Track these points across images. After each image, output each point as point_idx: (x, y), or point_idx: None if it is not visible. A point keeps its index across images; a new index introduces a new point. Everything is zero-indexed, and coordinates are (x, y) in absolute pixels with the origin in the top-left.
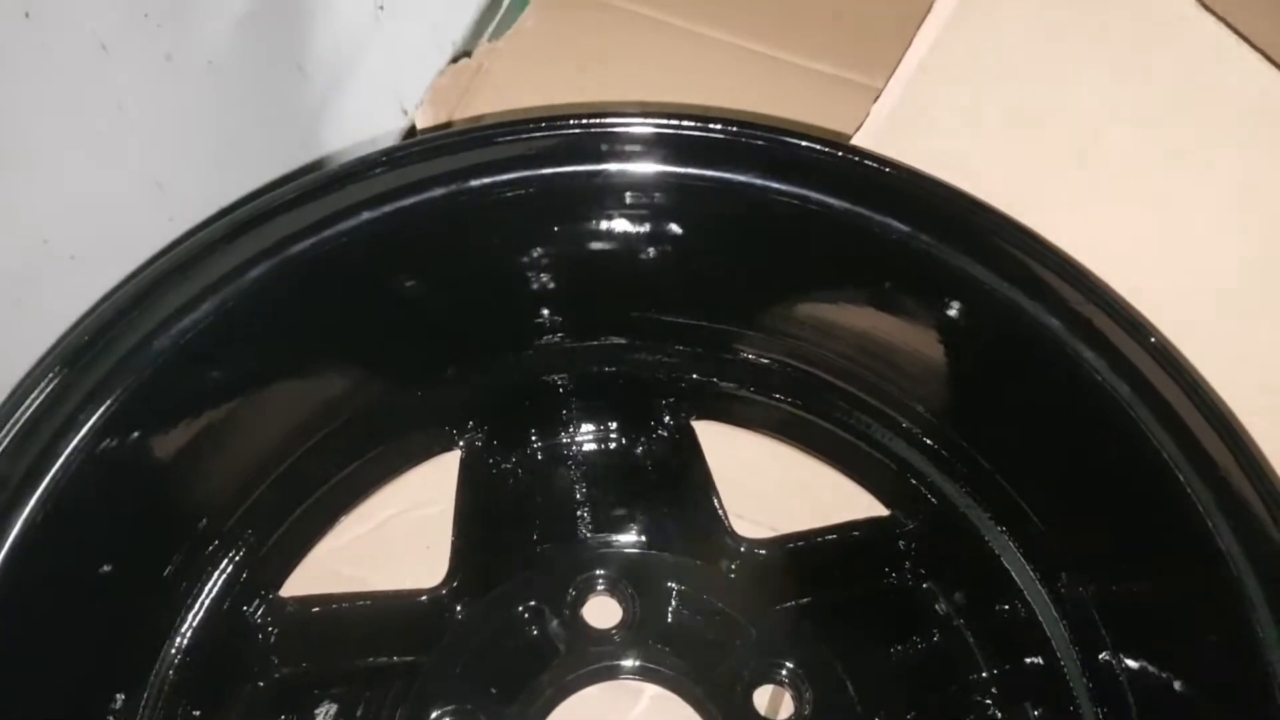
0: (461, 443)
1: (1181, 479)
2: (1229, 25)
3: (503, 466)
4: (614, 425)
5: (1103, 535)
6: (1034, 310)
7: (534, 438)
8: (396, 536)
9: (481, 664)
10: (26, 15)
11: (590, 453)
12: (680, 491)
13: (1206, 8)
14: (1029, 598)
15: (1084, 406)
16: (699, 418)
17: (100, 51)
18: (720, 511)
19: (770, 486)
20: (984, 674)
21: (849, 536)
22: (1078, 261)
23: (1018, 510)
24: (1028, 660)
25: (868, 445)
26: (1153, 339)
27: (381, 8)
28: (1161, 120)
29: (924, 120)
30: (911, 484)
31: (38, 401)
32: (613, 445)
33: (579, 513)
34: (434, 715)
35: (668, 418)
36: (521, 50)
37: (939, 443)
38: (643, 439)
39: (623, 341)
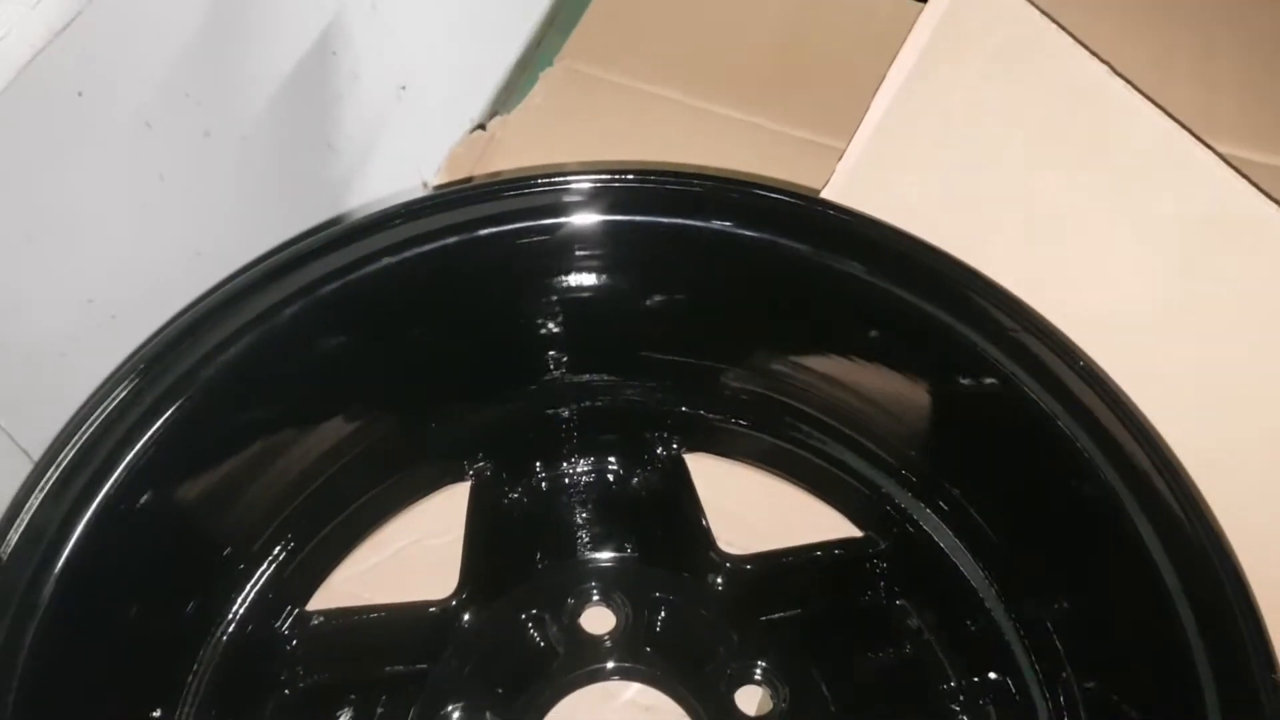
0: (471, 473)
1: (1103, 477)
2: (1134, 86)
3: (509, 495)
4: (611, 457)
5: (1049, 549)
6: (975, 338)
7: (538, 469)
8: (411, 563)
9: (487, 666)
10: (79, 94)
11: (589, 482)
12: (671, 515)
13: (1116, 73)
14: (994, 616)
15: (1019, 425)
16: (689, 449)
17: (145, 128)
18: (708, 532)
19: (753, 512)
20: (952, 684)
21: (828, 555)
22: (1012, 293)
23: (979, 531)
24: (992, 675)
25: (843, 472)
26: (1081, 362)
27: (404, 88)
28: (1080, 167)
29: (881, 175)
30: (884, 508)
31: (93, 427)
32: (610, 475)
33: (578, 534)
34: (444, 712)
35: (660, 449)
36: (530, 121)
37: (908, 468)
38: (637, 470)
39: (617, 379)
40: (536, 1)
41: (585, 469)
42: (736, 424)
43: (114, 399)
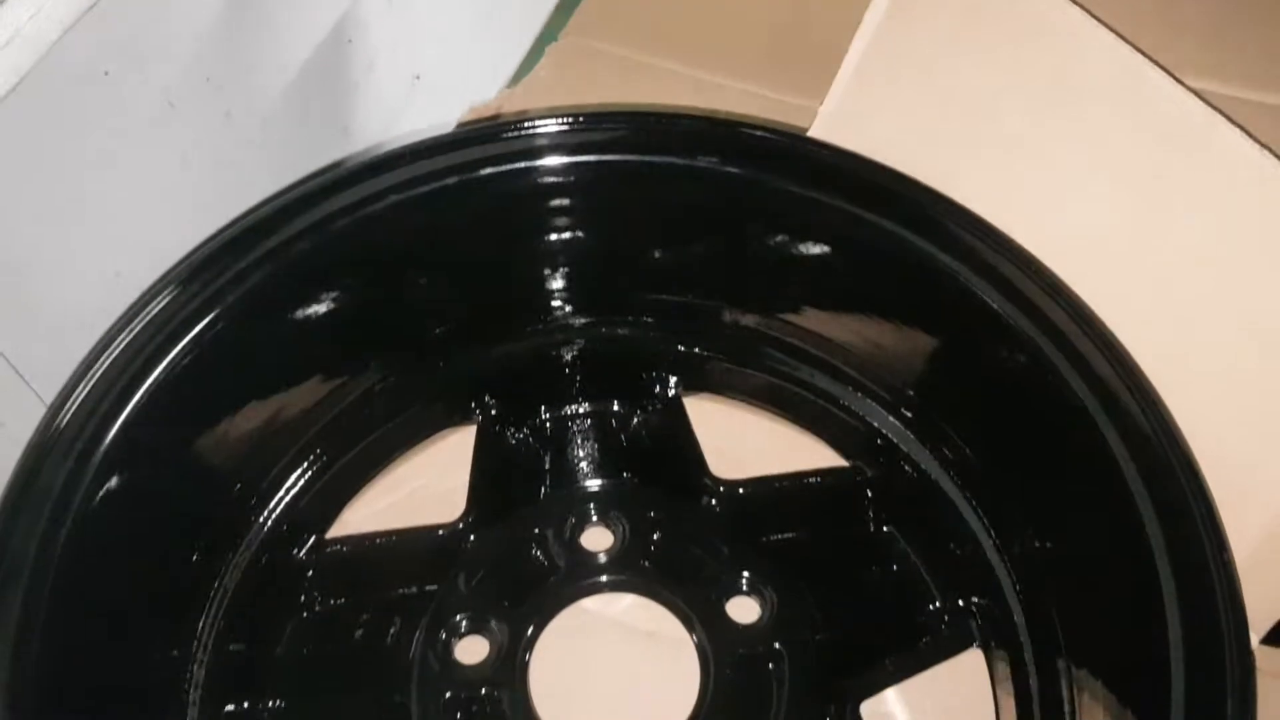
0: (478, 413)
1: (1072, 388)
2: (1091, 14)
3: (515, 435)
4: (612, 398)
5: (1029, 474)
6: (959, 268)
7: (542, 410)
8: (423, 502)
9: (492, 581)
10: (106, 73)
11: (591, 422)
12: (669, 447)
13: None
14: (979, 542)
15: (990, 341)
16: (688, 390)
17: (169, 108)
18: (703, 460)
19: (747, 449)
20: (936, 604)
21: (819, 482)
22: (991, 224)
23: (965, 459)
24: (976, 599)
25: (835, 406)
26: (1047, 278)
27: (418, 78)
28: (1045, 98)
29: (861, 117)
30: (874, 440)
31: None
32: (611, 416)
33: (580, 466)
34: (451, 623)
35: (659, 389)
36: (534, 94)
37: (897, 399)
38: (638, 411)
39: (618, 319)
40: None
41: (587, 409)
42: (733, 362)
43: (151, 310)
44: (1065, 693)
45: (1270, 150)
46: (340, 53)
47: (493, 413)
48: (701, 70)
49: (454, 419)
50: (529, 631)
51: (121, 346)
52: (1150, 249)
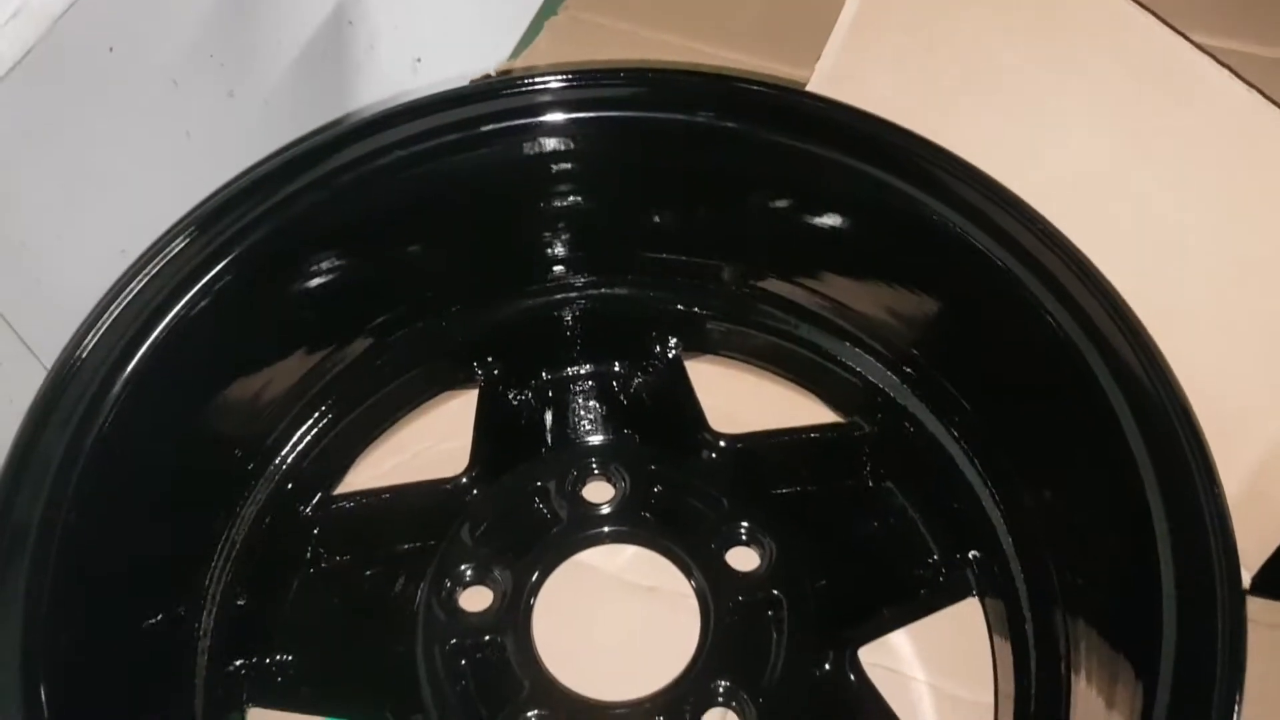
0: (480, 374)
1: (1069, 335)
2: None
3: (517, 397)
4: (613, 359)
5: (1026, 426)
6: (949, 216)
7: (544, 373)
8: (427, 464)
9: (495, 532)
10: (110, 49)
11: (592, 384)
12: (669, 405)
13: None
14: (978, 495)
15: (989, 294)
16: (687, 350)
17: (172, 86)
18: (702, 416)
19: (747, 408)
20: (935, 557)
21: (818, 436)
22: (985, 173)
23: (962, 413)
24: (973, 552)
25: (833, 364)
26: (1039, 224)
27: (419, 60)
28: (1035, 41)
29: (855, 71)
30: (874, 397)
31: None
32: (612, 377)
33: (581, 423)
34: (455, 573)
35: (659, 348)
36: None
37: (896, 355)
38: (638, 372)
39: (618, 279)
40: None
41: (588, 370)
42: (732, 321)
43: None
44: (1061, 638)
45: (1256, 88)
46: (341, 34)
47: (495, 373)
48: (699, 42)
49: (456, 379)
50: (532, 581)
51: (130, 297)
52: (1139, 187)
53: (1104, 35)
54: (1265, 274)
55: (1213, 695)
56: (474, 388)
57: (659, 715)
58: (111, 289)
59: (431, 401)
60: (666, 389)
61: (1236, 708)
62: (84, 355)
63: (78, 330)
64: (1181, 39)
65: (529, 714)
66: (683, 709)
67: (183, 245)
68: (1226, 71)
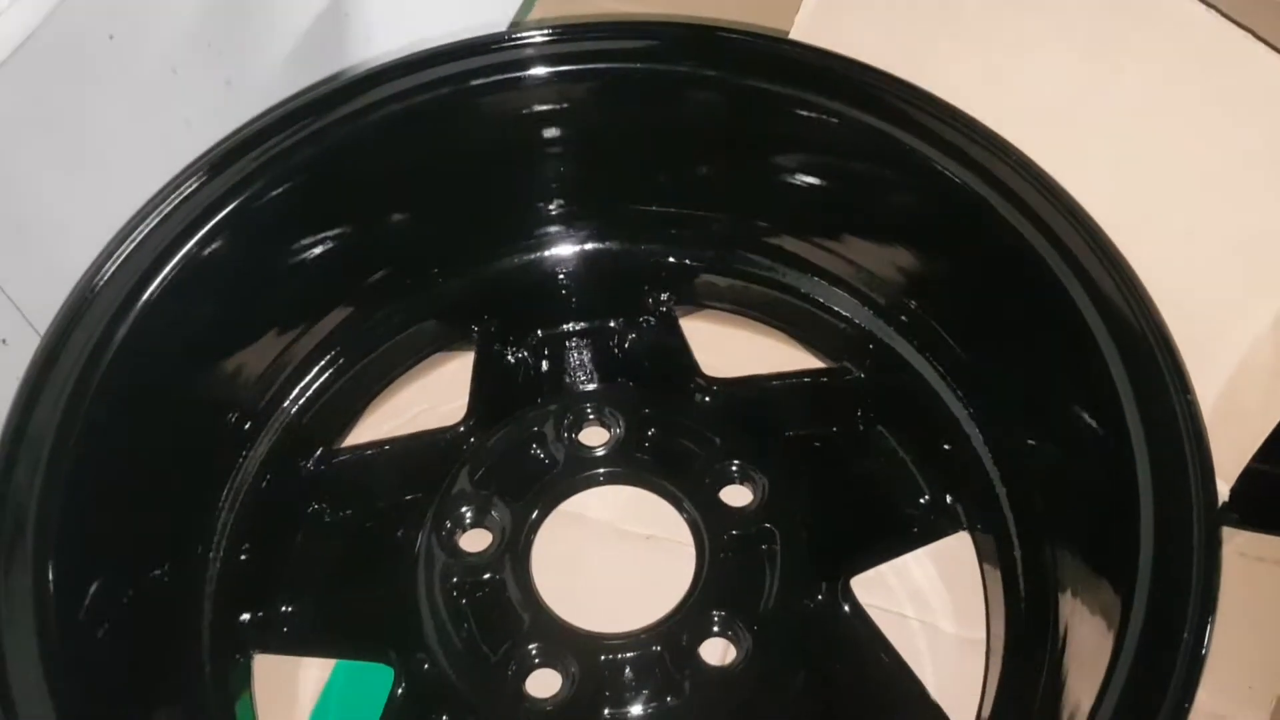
0: (476, 332)
1: (1053, 270)
2: None
3: (512, 353)
4: (607, 315)
5: (1012, 360)
6: (934, 155)
7: (539, 331)
8: (426, 424)
9: (493, 476)
10: (110, 37)
11: (587, 340)
12: (663, 355)
13: None
14: (968, 436)
15: (956, 216)
16: (679, 302)
17: (171, 74)
18: (695, 363)
19: (740, 356)
20: (926, 498)
21: (810, 381)
22: (962, 110)
23: (950, 353)
24: (963, 491)
25: (825, 312)
26: (1013, 155)
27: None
28: None
29: (834, 19)
30: (865, 344)
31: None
32: (606, 333)
33: (577, 374)
34: (455, 514)
35: (652, 301)
36: None
37: (886, 299)
38: (631, 329)
39: (609, 232)
40: None
41: (583, 328)
42: (723, 273)
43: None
44: (1048, 565)
45: (1214, 7)
46: (339, 25)
47: (491, 331)
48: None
49: (453, 339)
50: (530, 521)
51: (132, 248)
52: (1107, 110)
53: None
54: (1228, 186)
55: (1186, 610)
56: (470, 349)
57: (656, 645)
58: (123, 228)
59: (429, 364)
60: (660, 341)
61: (1209, 624)
62: (98, 287)
63: (91, 265)
64: None
65: (530, 647)
66: (680, 639)
67: (175, 205)
68: None
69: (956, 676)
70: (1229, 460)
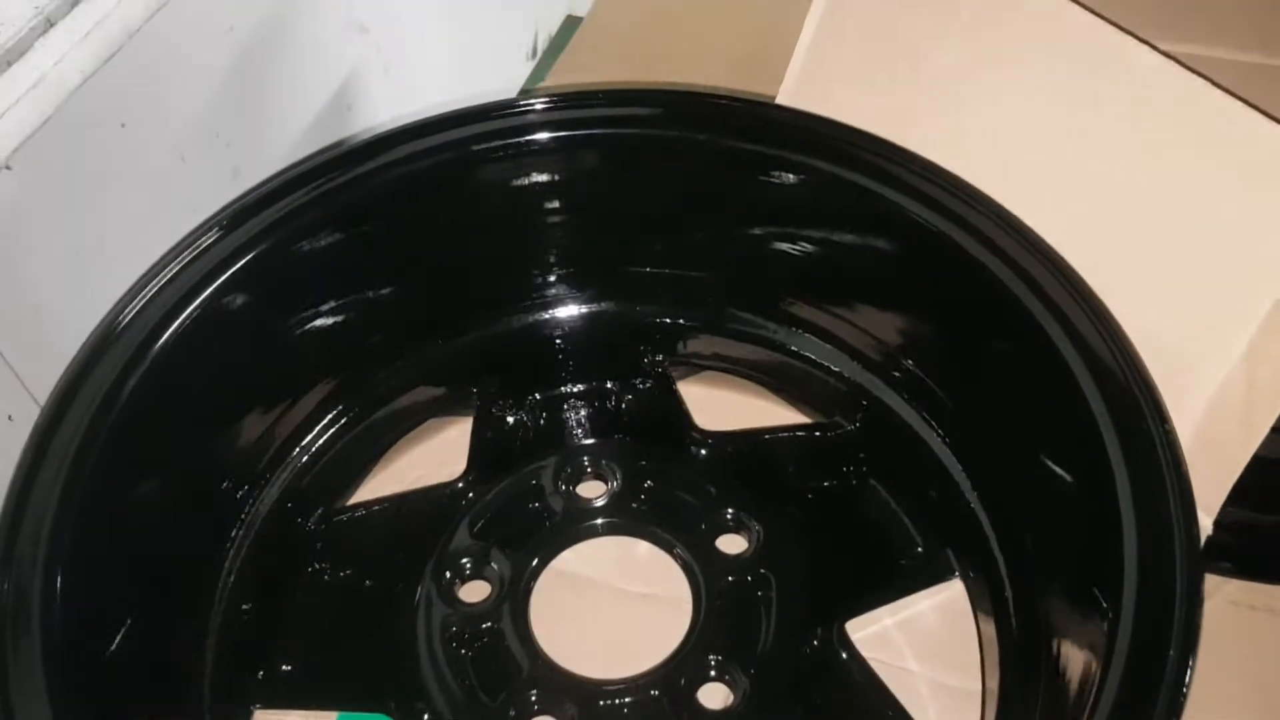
0: (475, 393)
1: (1032, 314)
2: None
3: (511, 415)
4: (605, 376)
5: (1000, 412)
6: (925, 215)
7: (536, 395)
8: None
9: (492, 528)
10: (122, 125)
11: (584, 400)
12: (658, 412)
13: None
14: (959, 487)
15: (938, 266)
16: (673, 363)
17: (180, 162)
18: (690, 418)
19: (734, 414)
20: (920, 549)
21: (803, 435)
22: (942, 167)
23: (938, 402)
24: (956, 540)
25: (818, 370)
26: (991, 207)
27: None
28: (971, 38)
29: (816, 89)
30: (859, 399)
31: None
32: (603, 393)
33: (574, 432)
34: (455, 565)
35: (645, 360)
36: None
37: (878, 355)
38: (628, 391)
39: (606, 295)
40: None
41: (579, 390)
42: (717, 333)
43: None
44: (1039, 609)
45: (1173, 58)
46: (341, 118)
47: (490, 392)
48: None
49: (453, 401)
50: (528, 571)
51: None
52: (1078, 157)
53: (1036, 30)
54: (1195, 226)
55: (1170, 632)
56: (470, 414)
57: (654, 690)
58: (126, 292)
59: (428, 429)
60: (655, 400)
61: (1190, 664)
62: (97, 354)
63: (105, 316)
64: (1109, 25)
65: (528, 694)
66: (678, 684)
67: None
68: (1146, 47)
69: None
70: (1210, 493)
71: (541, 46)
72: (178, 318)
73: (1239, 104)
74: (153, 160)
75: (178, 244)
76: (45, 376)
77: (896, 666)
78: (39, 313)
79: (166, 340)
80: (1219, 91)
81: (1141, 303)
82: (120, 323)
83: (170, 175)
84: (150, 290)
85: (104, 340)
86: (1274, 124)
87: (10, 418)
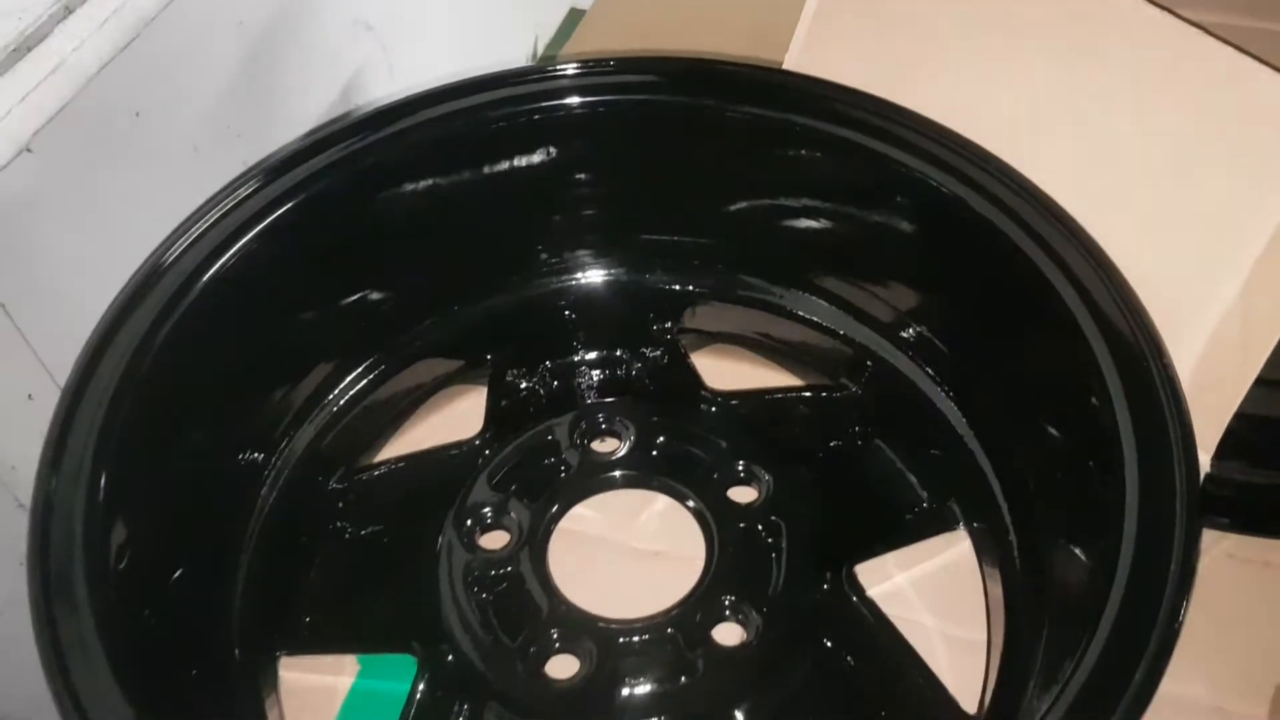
0: (489, 361)
1: (1038, 267)
2: None
3: (525, 384)
4: (614, 344)
5: (1001, 363)
6: (929, 171)
7: (548, 363)
8: None
9: (511, 480)
10: (137, 114)
11: (596, 368)
12: (669, 375)
13: None
14: (965, 443)
15: (943, 223)
16: (682, 331)
17: (193, 152)
18: (701, 380)
19: (743, 377)
20: (925, 504)
21: (809, 395)
22: (945, 126)
23: (941, 357)
24: (960, 493)
25: (824, 333)
26: (993, 162)
27: None
28: (976, 4)
29: (821, 55)
30: (863, 360)
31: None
32: (614, 361)
33: (587, 395)
34: (475, 515)
35: (655, 328)
36: None
37: (882, 315)
38: (639, 359)
39: (616, 262)
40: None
41: (591, 358)
42: (725, 299)
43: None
44: (1043, 557)
45: (1169, 10)
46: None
47: (502, 363)
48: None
49: (466, 374)
50: (546, 519)
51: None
52: (1077, 112)
53: None
54: (1191, 173)
55: (1169, 565)
56: (483, 383)
57: (670, 628)
58: (153, 251)
59: (442, 398)
60: (666, 364)
61: (1185, 602)
62: (126, 314)
63: (118, 294)
64: None
65: (548, 633)
66: (693, 622)
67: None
68: (1142, 1)
69: (959, 674)
70: (1209, 430)
71: (544, 45)
72: (199, 280)
73: (1233, 50)
74: (167, 149)
75: (215, 195)
76: (63, 356)
77: (907, 619)
78: (58, 294)
79: (191, 301)
80: (1213, 40)
81: (1140, 248)
82: (166, 260)
83: (184, 165)
84: (173, 253)
85: (149, 278)
86: (1266, 69)
87: (30, 396)
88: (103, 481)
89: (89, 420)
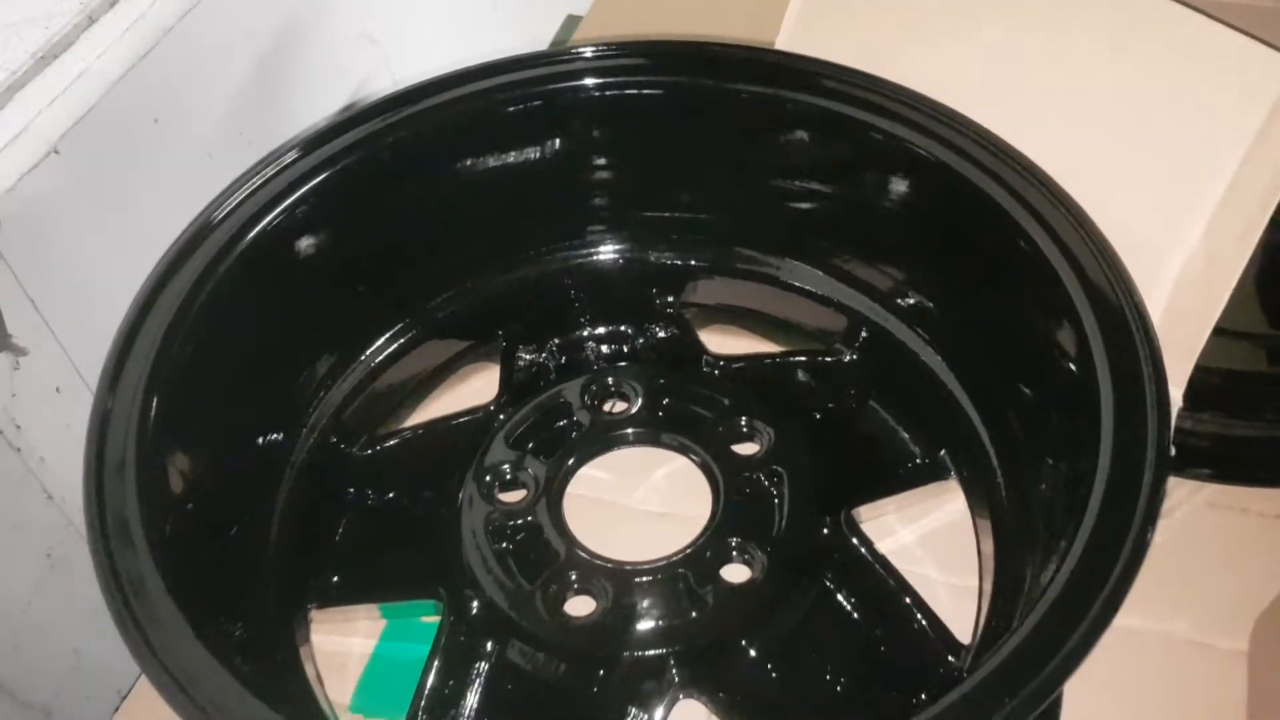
0: (501, 336)
1: (1021, 227)
2: None
3: (536, 359)
4: (620, 319)
5: (982, 307)
6: (915, 139)
7: (556, 340)
8: None
9: (526, 439)
10: (155, 121)
11: (603, 342)
12: (674, 344)
13: None
14: (956, 399)
15: (929, 188)
16: (687, 304)
17: (208, 158)
18: (704, 347)
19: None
20: (919, 460)
21: (810, 359)
22: (930, 97)
23: (939, 327)
24: (953, 447)
25: (820, 302)
26: (972, 127)
27: None
28: None
29: (810, 36)
30: (855, 324)
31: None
32: (621, 337)
33: (596, 363)
34: (494, 470)
35: (658, 302)
36: None
37: (877, 282)
38: (644, 326)
39: (620, 239)
40: None
41: (597, 334)
42: (727, 274)
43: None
44: (1029, 500)
45: None
46: None
47: (515, 334)
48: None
49: (478, 351)
50: (561, 473)
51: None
52: (1051, 76)
53: None
54: (1157, 128)
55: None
56: (495, 360)
57: (681, 568)
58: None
59: (456, 376)
60: (671, 334)
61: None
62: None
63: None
64: None
65: (566, 575)
66: (701, 562)
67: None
68: None
69: (953, 613)
70: (1178, 366)
71: None
72: (230, 255)
73: (1195, 13)
74: (182, 156)
75: (258, 162)
76: (90, 351)
77: (906, 570)
78: (85, 291)
79: (222, 277)
80: (1179, 6)
81: (1111, 199)
82: (215, 218)
83: (199, 171)
84: (206, 223)
85: (199, 233)
86: (1225, 28)
87: (58, 389)
88: (151, 419)
89: (139, 364)
